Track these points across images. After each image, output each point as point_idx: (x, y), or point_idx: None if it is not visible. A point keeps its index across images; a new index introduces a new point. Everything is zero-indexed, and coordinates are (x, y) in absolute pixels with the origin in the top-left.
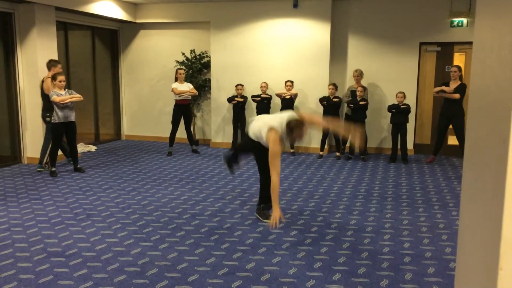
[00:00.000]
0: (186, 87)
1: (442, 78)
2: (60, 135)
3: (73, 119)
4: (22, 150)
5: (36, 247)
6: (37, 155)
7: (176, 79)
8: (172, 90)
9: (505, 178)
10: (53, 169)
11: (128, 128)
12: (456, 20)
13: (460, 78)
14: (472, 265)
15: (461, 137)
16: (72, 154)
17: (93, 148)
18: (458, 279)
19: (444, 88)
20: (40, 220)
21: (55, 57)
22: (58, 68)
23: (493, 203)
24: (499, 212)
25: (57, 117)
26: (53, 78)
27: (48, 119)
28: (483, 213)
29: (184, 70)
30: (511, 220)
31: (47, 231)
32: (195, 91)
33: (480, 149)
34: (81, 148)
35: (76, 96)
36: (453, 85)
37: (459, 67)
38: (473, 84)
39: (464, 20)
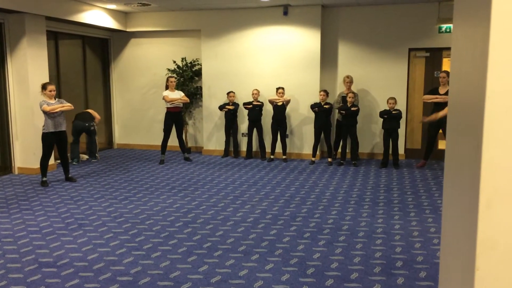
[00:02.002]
0: (177, 95)
1: (431, 84)
2: (50, 145)
3: (63, 129)
4: (12, 161)
5: (28, 257)
6: (28, 165)
7: (167, 87)
8: (163, 98)
9: (479, 182)
10: (44, 179)
11: (119, 137)
12: (444, 26)
13: (449, 83)
14: (452, 266)
15: None
16: (62, 164)
17: (84, 157)
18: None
19: (436, 96)
20: (31, 231)
21: (46, 67)
22: None
23: (469, 207)
24: (474, 215)
25: (47, 126)
26: (43, 87)
27: (92, 128)
28: (461, 216)
29: (175, 78)
30: (486, 222)
31: (39, 242)
32: (186, 98)
33: (457, 154)
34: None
35: (67, 105)
36: (442, 90)
37: (448, 73)
38: (451, 90)
39: (452, 26)
